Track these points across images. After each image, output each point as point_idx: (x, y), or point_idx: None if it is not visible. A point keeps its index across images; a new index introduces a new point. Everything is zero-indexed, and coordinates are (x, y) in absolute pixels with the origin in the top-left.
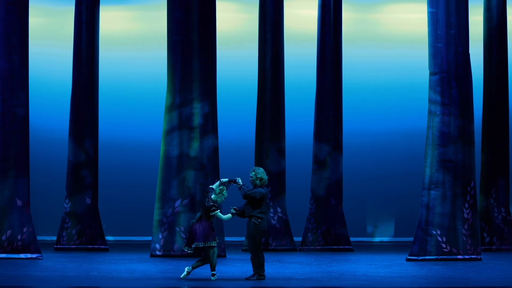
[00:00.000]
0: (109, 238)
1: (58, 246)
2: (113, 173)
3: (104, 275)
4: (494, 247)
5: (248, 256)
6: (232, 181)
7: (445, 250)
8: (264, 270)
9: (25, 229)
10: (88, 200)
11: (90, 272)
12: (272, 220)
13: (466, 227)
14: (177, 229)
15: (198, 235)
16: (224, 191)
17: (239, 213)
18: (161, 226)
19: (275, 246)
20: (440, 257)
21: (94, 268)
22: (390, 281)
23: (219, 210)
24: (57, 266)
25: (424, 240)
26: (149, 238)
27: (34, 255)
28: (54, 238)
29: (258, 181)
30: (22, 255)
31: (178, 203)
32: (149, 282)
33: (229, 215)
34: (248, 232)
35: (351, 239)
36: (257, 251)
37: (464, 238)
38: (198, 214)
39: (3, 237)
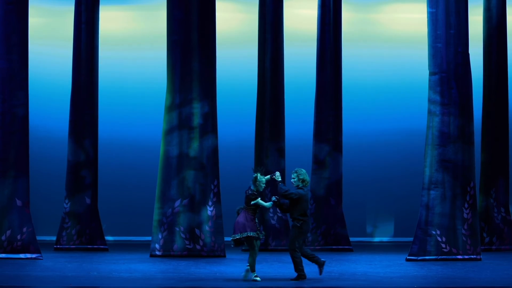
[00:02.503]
0: (108, 238)
1: (58, 246)
2: (112, 173)
3: (104, 275)
4: (493, 247)
5: (246, 256)
6: (272, 177)
7: (445, 250)
8: (302, 269)
9: (24, 229)
10: (88, 200)
11: (90, 272)
12: (271, 220)
13: (465, 227)
14: (177, 229)
15: (235, 227)
16: (259, 177)
17: (279, 204)
18: (160, 226)
19: (274, 246)
20: (440, 257)
21: (93, 268)
22: (390, 281)
23: (260, 198)
24: (56, 266)
25: (424, 240)
26: (149, 238)
27: (33, 255)
28: (54, 238)
29: (300, 183)
30: (21, 255)
31: (177, 203)
32: (148, 282)
33: (270, 202)
34: (290, 233)
35: (351, 239)
36: (293, 251)
37: (464, 238)
38: (238, 208)
39: (3, 237)
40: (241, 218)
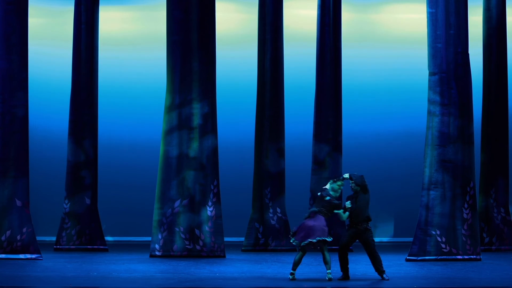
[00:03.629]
0: (108, 238)
1: (58, 247)
2: (112, 173)
3: (104, 275)
4: (493, 247)
5: (246, 256)
6: (343, 179)
7: (445, 250)
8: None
9: (24, 230)
10: (88, 201)
11: (90, 272)
12: (271, 221)
13: (465, 227)
14: (177, 229)
15: (310, 230)
16: (337, 184)
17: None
18: (160, 227)
19: (274, 246)
20: (440, 257)
21: (93, 269)
22: (390, 281)
23: (342, 210)
24: (56, 266)
25: (424, 240)
26: (149, 238)
27: (33, 256)
28: (54, 238)
29: (358, 188)
30: (21, 256)
31: (177, 203)
32: (148, 282)
33: (346, 214)
34: (363, 237)
35: None
36: (375, 251)
37: (464, 238)
38: (311, 210)
39: (3, 238)
40: (318, 221)
